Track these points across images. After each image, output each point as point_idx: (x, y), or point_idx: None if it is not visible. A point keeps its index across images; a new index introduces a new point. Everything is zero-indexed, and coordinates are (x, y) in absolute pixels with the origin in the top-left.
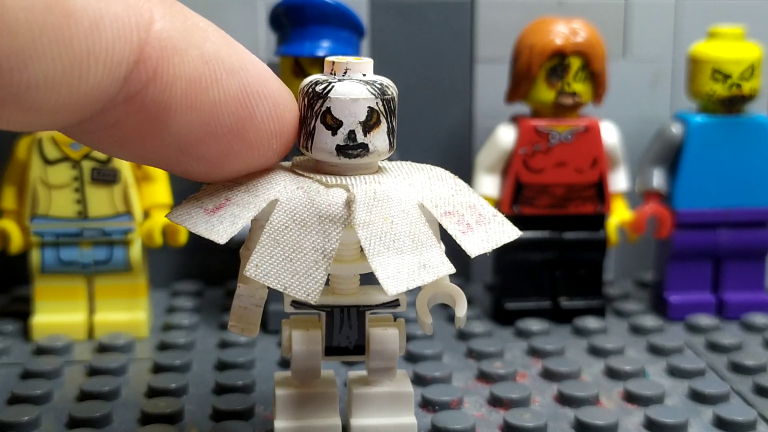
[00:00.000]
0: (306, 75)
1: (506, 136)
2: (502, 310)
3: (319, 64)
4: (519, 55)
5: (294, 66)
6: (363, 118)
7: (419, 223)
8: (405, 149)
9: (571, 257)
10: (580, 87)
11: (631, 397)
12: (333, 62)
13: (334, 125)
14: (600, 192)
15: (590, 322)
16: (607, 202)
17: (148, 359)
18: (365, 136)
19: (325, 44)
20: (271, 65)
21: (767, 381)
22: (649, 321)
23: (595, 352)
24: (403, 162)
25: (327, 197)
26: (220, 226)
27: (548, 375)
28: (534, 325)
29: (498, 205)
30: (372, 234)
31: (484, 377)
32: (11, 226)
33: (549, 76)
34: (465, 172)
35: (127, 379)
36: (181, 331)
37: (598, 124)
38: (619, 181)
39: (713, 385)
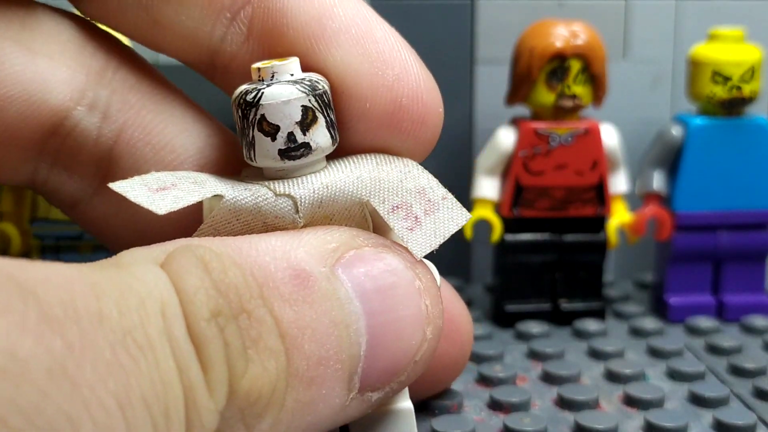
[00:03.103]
0: None
1: (506, 138)
2: (502, 312)
3: None
4: (519, 58)
5: None
6: (299, 117)
7: (356, 220)
8: None
9: (571, 259)
10: (580, 89)
11: (630, 401)
12: (259, 68)
13: (272, 131)
14: (600, 194)
15: (590, 324)
16: (607, 205)
17: None
18: (304, 135)
19: None
20: None
21: (767, 384)
22: (649, 323)
23: (595, 354)
24: (350, 155)
25: (274, 207)
26: (161, 201)
27: (548, 378)
28: (534, 327)
29: (498, 207)
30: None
31: (483, 380)
32: (10, 229)
33: (549, 78)
34: (465, 173)
35: None
36: None
37: (598, 126)
38: (619, 183)
39: (713, 389)
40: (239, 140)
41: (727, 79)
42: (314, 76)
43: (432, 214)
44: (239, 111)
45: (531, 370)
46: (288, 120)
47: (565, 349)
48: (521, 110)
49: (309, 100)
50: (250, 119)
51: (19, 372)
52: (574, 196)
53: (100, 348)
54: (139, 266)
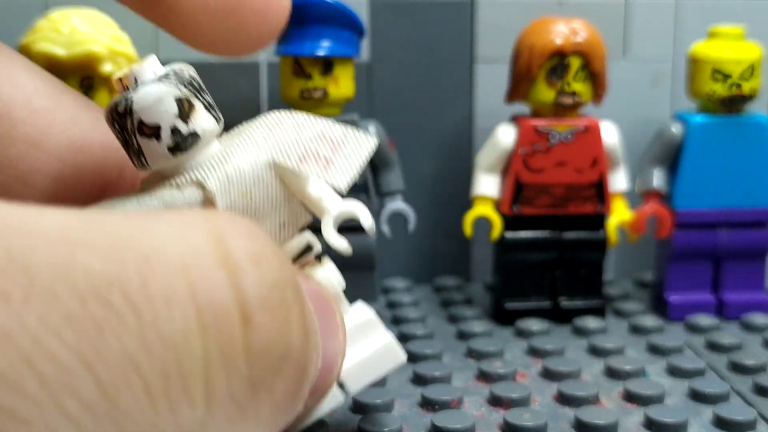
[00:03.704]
0: (306, 75)
1: (506, 135)
2: (502, 310)
3: (319, 63)
4: (519, 55)
5: (294, 66)
6: (176, 110)
7: (273, 185)
8: (405, 149)
9: (571, 257)
10: (580, 87)
11: (631, 397)
12: (120, 79)
13: (154, 132)
14: (600, 192)
15: (590, 322)
16: (607, 202)
17: None
18: (187, 125)
19: (326, 44)
20: (271, 65)
21: (767, 381)
22: (649, 321)
23: (595, 351)
24: (237, 128)
25: (184, 199)
26: None
27: (548, 375)
28: (534, 324)
29: (498, 205)
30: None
31: (484, 377)
32: None
33: (549, 75)
34: (465, 172)
35: None
36: None
37: (598, 124)
38: (619, 181)
39: (713, 385)
40: (126, 153)
41: (726, 76)
42: (175, 66)
43: (340, 150)
44: (116, 125)
45: (531, 367)
46: (166, 116)
47: (565, 346)
48: (521, 108)
49: (180, 90)
50: (129, 128)
51: None
52: (574, 193)
53: (58, 299)
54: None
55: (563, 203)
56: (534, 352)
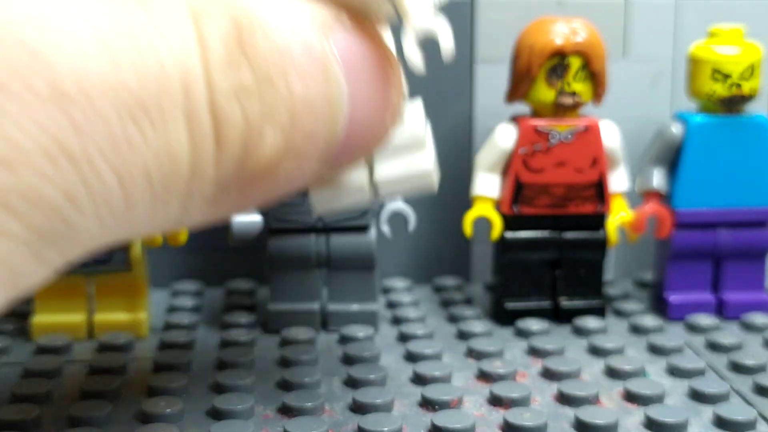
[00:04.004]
0: None
1: (506, 135)
2: (502, 310)
3: None
4: (519, 55)
5: None
6: None
7: None
8: None
9: (571, 257)
10: (580, 87)
11: (631, 397)
12: None
13: None
14: (600, 192)
15: (590, 322)
16: (606, 202)
17: (149, 359)
18: None
19: None
20: None
21: (767, 380)
22: (649, 321)
23: (595, 351)
24: None
25: None
26: None
27: (548, 374)
28: (534, 324)
29: (498, 205)
30: None
31: (484, 377)
32: None
33: (549, 75)
34: (465, 172)
35: (127, 378)
36: (181, 331)
37: (598, 123)
38: (619, 181)
39: (713, 385)
40: None
41: (726, 76)
42: None
43: None
44: None
45: (531, 367)
46: None
47: (565, 346)
48: (521, 108)
49: None
50: None
51: (17, 158)
52: (574, 193)
53: (107, 121)
54: (170, 14)
55: (563, 203)
56: (534, 352)
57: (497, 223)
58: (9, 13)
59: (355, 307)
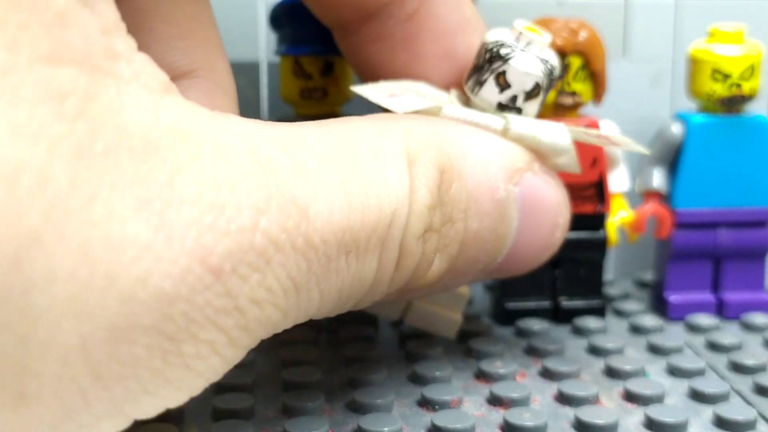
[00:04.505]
0: (306, 74)
1: None
2: (503, 310)
3: (319, 63)
4: None
5: (294, 66)
6: (529, 89)
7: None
8: None
9: (571, 257)
10: (580, 86)
11: (631, 397)
12: (520, 32)
13: (504, 86)
14: (600, 192)
15: (590, 322)
16: (607, 202)
17: None
18: (524, 103)
19: (325, 43)
20: (271, 65)
21: (767, 380)
22: (649, 321)
23: (595, 351)
24: None
25: (487, 117)
26: (398, 104)
27: (548, 374)
28: (534, 324)
29: None
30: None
31: (483, 376)
32: None
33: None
34: None
35: None
36: None
37: (598, 123)
38: (619, 180)
39: (713, 385)
40: (470, 71)
41: (726, 76)
42: (553, 58)
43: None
44: (488, 55)
45: (531, 367)
46: (520, 87)
47: (565, 346)
48: None
49: (542, 80)
50: (494, 66)
51: (266, 299)
52: (574, 193)
53: (329, 257)
54: (392, 161)
55: None
56: (534, 352)
57: None
58: (284, 168)
59: None
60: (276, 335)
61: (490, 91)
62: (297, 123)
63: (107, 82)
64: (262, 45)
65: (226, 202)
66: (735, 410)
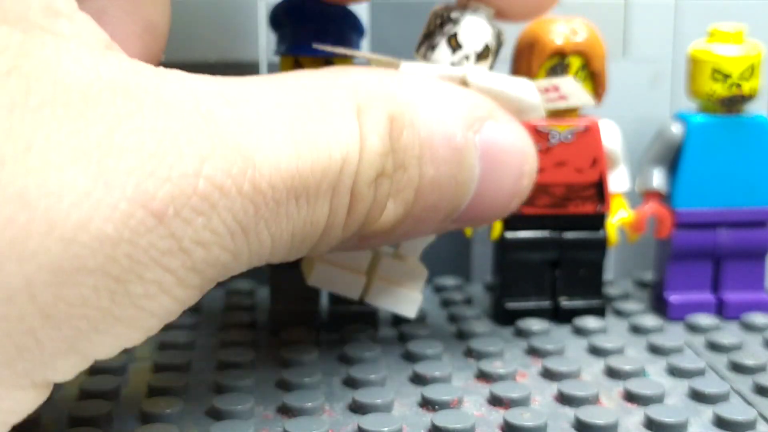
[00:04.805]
0: None
1: None
2: (503, 310)
3: (319, 63)
4: (519, 55)
5: (294, 65)
6: (479, 49)
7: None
8: None
9: (571, 257)
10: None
11: (631, 397)
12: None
13: (456, 47)
14: (600, 192)
15: (590, 322)
16: (607, 202)
17: (148, 359)
18: (467, 62)
19: (326, 43)
20: (271, 65)
21: (767, 380)
22: (649, 321)
23: (595, 351)
24: None
25: (447, 68)
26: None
27: (548, 374)
28: (534, 324)
29: None
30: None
31: (484, 377)
32: None
33: (549, 75)
34: None
35: (127, 378)
36: (181, 331)
37: (598, 123)
38: (619, 180)
39: (713, 385)
40: (420, 38)
41: (726, 76)
42: (499, 26)
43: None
44: (438, 20)
45: (531, 367)
46: (471, 48)
47: (565, 346)
48: None
49: (491, 42)
50: (445, 30)
51: (213, 241)
52: (574, 193)
53: (279, 202)
54: (341, 111)
55: (563, 203)
56: (534, 352)
57: (497, 223)
58: (228, 120)
59: (355, 307)
60: (276, 335)
61: (442, 53)
62: (245, 77)
63: (45, 40)
64: (262, 45)
65: (167, 151)
66: (735, 410)
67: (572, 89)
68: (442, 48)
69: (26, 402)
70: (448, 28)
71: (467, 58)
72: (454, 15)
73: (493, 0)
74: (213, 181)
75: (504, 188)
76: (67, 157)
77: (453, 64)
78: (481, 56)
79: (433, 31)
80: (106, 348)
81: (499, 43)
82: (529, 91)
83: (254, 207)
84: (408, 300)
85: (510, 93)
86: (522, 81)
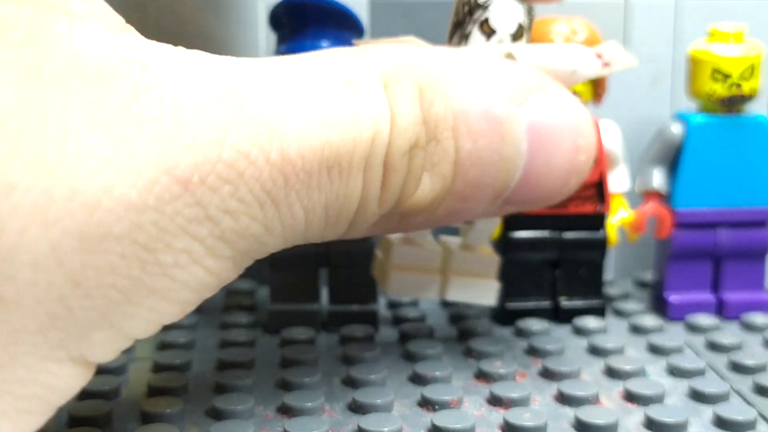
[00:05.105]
0: None
1: None
2: (503, 310)
3: None
4: None
5: None
6: (513, 30)
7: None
8: None
9: (571, 257)
10: (580, 87)
11: (631, 397)
12: None
13: (490, 32)
14: (600, 191)
15: (590, 322)
16: (607, 202)
17: (148, 358)
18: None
19: (325, 44)
20: None
21: (767, 380)
22: (649, 321)
23: (595, 351)
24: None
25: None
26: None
27: (548, 374)
28: (534, 324)
29: None
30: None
31: (484, 377)
32: None
33: None
34: None
35: (127, 378)
36: (181, 331)
37: (598, 123)
38: (619, 180)
39: (713, 385)
40: (450, 29)
41: (726, 76)
42: (529, 3)
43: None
44: (466, 8)
45: (531, 367)
46: (505, 30)
47: (565, 346)
48: None
49: (524, 20)
50: (475, 17)
51: (241, 209)
52: (574, 193)
53: (310, 173)
54: (368, 86)
55: (563, 203)
56: (534, 352)
57: (497, 223)
58: (252, 97)
59: (355, 307)
60: (276, 335)
61: (477, 41)
62: (267, 58)
63: (57, 17)
64: (262, 45)
65: (189, 120)
66: (735, 410)
67: (617, 54)
68: (476, 35)
69: (66, 378)
70: (478, 15)
71: (502, 41)
72: (481, 0)
73: None
74: (238, 148)
75: (558, 165)
76: (86, 125)
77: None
78: (516, 36)
79: (463, 20)
80: (143, 323)
81: (531, 18)
82: (584, 60)
83: (284, 177)
84: (487, 288)
85: (564, 67)
86: (574, 48)
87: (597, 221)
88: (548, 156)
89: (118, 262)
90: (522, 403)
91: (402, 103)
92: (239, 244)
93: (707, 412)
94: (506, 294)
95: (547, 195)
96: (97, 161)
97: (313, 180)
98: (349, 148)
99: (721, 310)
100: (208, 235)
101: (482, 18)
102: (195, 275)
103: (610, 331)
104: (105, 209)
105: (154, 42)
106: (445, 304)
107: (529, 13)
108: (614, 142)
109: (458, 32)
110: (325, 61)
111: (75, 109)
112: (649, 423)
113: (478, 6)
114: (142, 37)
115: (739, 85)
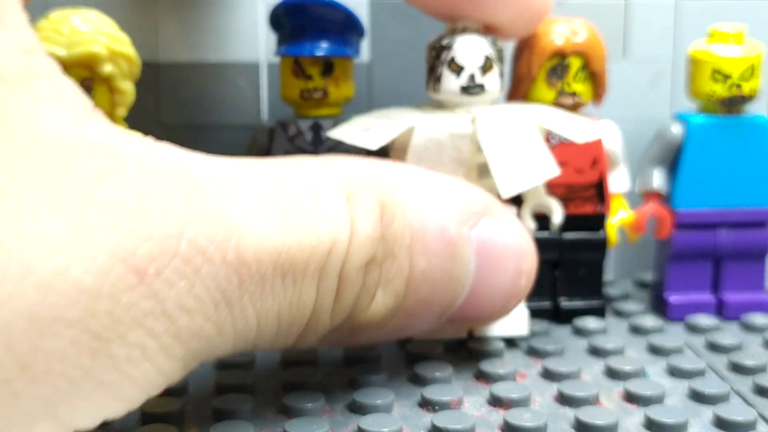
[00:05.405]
0: (306, 75)
1: None
2: None
3: (319, 64)
4: (519, 55)
5: (294, 66)
6: (481, 63)
7: (534, 135)
8: None
9: (571, 257)
10: (580, 87)
11: (631, 397)
12: (453, 25)
13: (457, 70)
14: (600, 192)
15: (590, 323)
16: (607, 203)
17: None
18: (482, 77)
19: (325, 44)
20: (271, 65)
21: (767, 381)
22: (649, 321)
23: (595, 352)
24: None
25: (455, 120)
26: (371, 139)
27: (548, 375)
28: (534, 325)
29: None
30: (493, 144)
31: (483, 377)
32: None
33: (549, 76)
34: None
35: None
36: None
37: (598, 123)
38: (619, 181)
39: (713, 385)
40: (426, 77)
41: (726, 77)
42: (493, 35)
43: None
44: (434, 52)
45: (531, 367)
46: (473, 64)
47: (565, 346)
48: None
49: (490, 51)
50: (442, 58)
51: (196, 308)
52: (574, 193)
53: (264, 277)
54: (330, 198)
55: (563, 203)
56: (534, 353)
57: None
58: (214, 193)
59: None
60: None
61: (449, 81)
62: (233, 158)
63: (21, 96)
64: (262, 45)
65: (149, 210)
66: (735, 411)
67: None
68: (446, 75)
69: None
70: (445, 56)
71: (473, 76)
72: (445, 42)
73: (485, 18)
74: (196, 244)
75: (501, 286)
76: (44, 206)
77: (462, 87)
78: (486, 69)
79: (433, 65)
80: (86, 417)
81: (499, 49)
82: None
83: (238, 278)
84: (517, 318)
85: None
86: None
87: (597, 222)
88: (492, 277)
89: (69, 349)
90: (522, 403)
91: (363, 218)
92: (192, 344)
93: (707, 412)
94: None
95: (487, 315)
96: (53, 242)
97: (267, 284)
98: (305, 257)
99: (721, 310)
100: (164, 332)
101: (449, 58)
102: (145, 373)
103: (610, 331)
104: (58, 292)
105: (121, 129)
106: None
107: (495, 43)
108: (614, 143)
109: (432, 77)
110: (291, 167)
111: (34, 189)
112: (649, 424)
113: (443, 48)
114: (110, 122)
115: (739, 86)
